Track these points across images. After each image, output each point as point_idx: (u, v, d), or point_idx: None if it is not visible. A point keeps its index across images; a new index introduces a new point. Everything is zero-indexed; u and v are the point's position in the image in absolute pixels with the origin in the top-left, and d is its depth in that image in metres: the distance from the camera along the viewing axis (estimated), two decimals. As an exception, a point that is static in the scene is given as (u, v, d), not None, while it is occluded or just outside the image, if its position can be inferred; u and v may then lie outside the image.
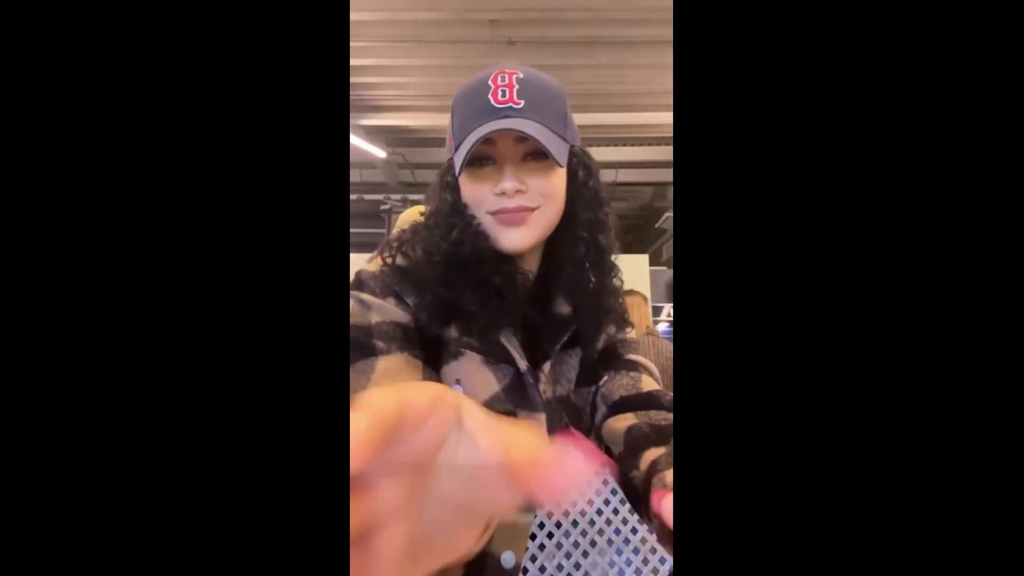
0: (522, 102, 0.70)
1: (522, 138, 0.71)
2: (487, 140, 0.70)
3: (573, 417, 0.82)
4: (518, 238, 0.72)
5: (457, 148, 0.72)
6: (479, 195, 0.72)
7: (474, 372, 0.72)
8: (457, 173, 0.72)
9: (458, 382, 0.71)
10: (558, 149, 0.69)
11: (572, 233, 0.76)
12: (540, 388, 0.76)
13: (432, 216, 0.76)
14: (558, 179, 0.73)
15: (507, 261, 0.75)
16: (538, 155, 0.71)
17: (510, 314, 0.74)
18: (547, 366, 0.79)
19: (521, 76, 0.71)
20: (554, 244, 0.78)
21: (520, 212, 0.71)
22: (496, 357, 0.73)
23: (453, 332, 0.73)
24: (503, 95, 0.70)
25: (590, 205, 0.76)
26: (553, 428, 0.77)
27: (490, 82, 0.71)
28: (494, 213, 0.72)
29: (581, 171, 0.77)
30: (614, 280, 0.83)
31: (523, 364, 0.74)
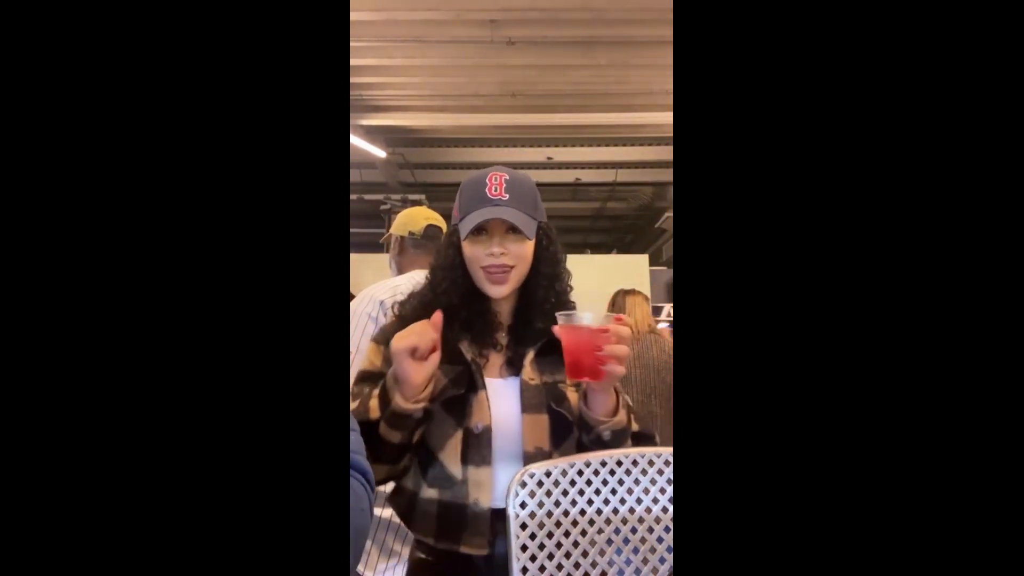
0: (507, 196, 1.09)
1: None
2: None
3: (556, 399, 1.10)
4: (500, 290, 1.10)
5: (462, 220, 1.10)
6: (476, 254, 1.10)
7: None
8: (463, 238, 1.09)
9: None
10: (529, 227, 1.09)
11: (537, 282, 1.14)
12: (525, 377, 1.11)
13: (437, 266, 1.15)
14: (528, 247, 1.11)
15: (481, 303, 1.12)
16: (516, 230, 1.08)
17: (472, 336, 1.11)
18: (529, 357, 1.12)
19: (507, 178, 1.11)
20: (525, 292, 1.15)
21: (503, 271, 1.09)
22: (449, 361, 1.07)
23: None
24: (495, 191, 1.09)
25: (550, 263, 1.15)
26: (534, 405, 1.09)
27: (487, 180, 1.11)
28: (485, 268, 1.09)
29: (544, 239, 1.15)
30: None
31: (469, 356, 1.09)
